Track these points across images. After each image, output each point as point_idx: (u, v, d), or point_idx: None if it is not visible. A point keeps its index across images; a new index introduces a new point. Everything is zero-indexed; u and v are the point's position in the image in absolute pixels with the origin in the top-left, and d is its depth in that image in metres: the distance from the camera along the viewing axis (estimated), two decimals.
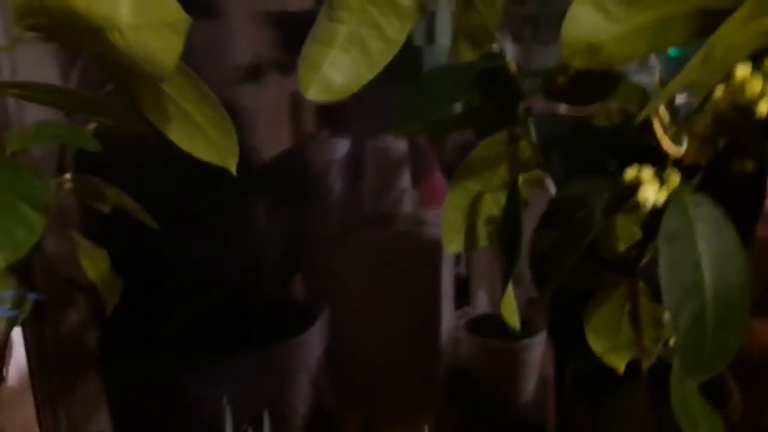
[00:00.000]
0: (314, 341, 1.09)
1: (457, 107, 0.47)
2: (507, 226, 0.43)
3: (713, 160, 0.37)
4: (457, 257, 1.41)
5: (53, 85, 0.32)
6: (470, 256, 1.44)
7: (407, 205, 1.36)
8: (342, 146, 1.27)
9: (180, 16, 0.24)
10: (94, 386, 0.92)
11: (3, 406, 0.71)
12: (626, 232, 0.43)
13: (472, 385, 1.37)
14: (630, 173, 0.33)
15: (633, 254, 0.41)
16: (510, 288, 0.44)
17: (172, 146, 0.37)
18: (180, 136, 0.37)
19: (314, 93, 0.46)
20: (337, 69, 0.45)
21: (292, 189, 1.21)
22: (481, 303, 1.45)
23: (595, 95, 0.39)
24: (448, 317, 1.36)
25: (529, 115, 0.41)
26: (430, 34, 1.21)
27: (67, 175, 0.53)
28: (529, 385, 1.36)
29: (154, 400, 0.97)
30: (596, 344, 0.49)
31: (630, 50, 0.30)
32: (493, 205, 0.47)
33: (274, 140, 1.17)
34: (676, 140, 0.34)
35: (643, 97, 0.39)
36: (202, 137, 0.37)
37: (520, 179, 0.42)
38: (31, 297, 0.51)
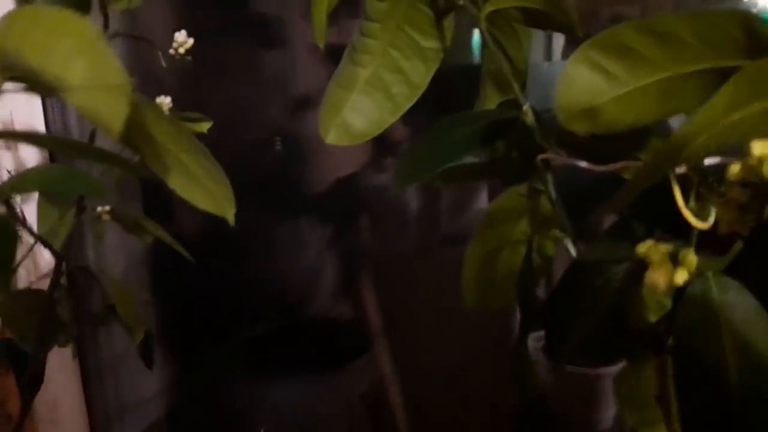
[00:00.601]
0: (379, 364, 1.08)
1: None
2: (522, 286, 0.40)
3: (755, 230, 0.32)
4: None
5: (51, 136, 0.33)
6: (549, 276, 1.38)
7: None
8: None
9: (123, 80, 0.23)
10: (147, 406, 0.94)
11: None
12: (657, 302, 0.38)
13: (549, 412, 1.31)
14: (641, 249, 0.29)
15: (662, 327, 0.36)
16: (527, 351, 0.41)
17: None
18: (178, 185, 0.37)
19: (334, 137, 0.45)
20: (357, 113, 0.44)
21: (366, 208, 1.21)
22: None
23: (620, 151, 0.35)
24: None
25: (548, 168, 0.38)
26: None
27: (106, 207, 0.54)
28: (609, 413, 1.28)
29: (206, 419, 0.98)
30: (628, 415, 0.44)
31: (636, 114, 0.26)
32: (514, 260, 0.44)
33: (352, 157, 1.17)
34: (704, 208, 0.30)
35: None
36: (199, 187, 0.37)
37: (536, 239, 0.38)
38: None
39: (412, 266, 1.22)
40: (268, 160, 1.09)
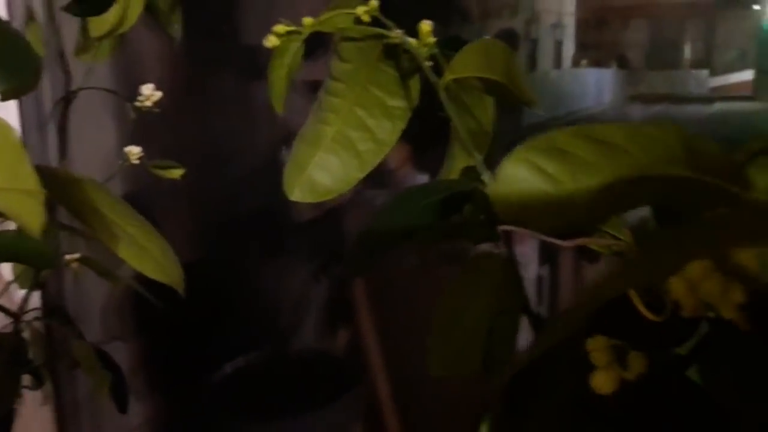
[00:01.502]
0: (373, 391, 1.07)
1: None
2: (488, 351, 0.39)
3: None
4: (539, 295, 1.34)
5: None
6: (552, 298, 1.37)
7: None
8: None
9: (37, 187, 0.23)
10: None
11: None
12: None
13: None
14: (589, 345, 0.28)
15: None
16: None
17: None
18: (129, 255, 0.36)
19: (298, 194, 0.44)
20: (323, 170, 0.43)
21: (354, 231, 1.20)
22: None
23: (579, 228, 0.34)
24: None
25: (510, 239, 0.37)
26: None
27: (75, 255, 0.54)
28: None
29: None
30: None
31: (575, 214, 0.25)
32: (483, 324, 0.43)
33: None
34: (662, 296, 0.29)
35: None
36: (150, 259, 0.36)
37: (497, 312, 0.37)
38: None
39: (403, 288, 1.20)
40: (256, 193, 1.08)
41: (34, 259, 0.37)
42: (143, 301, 0.90)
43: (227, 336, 0.99)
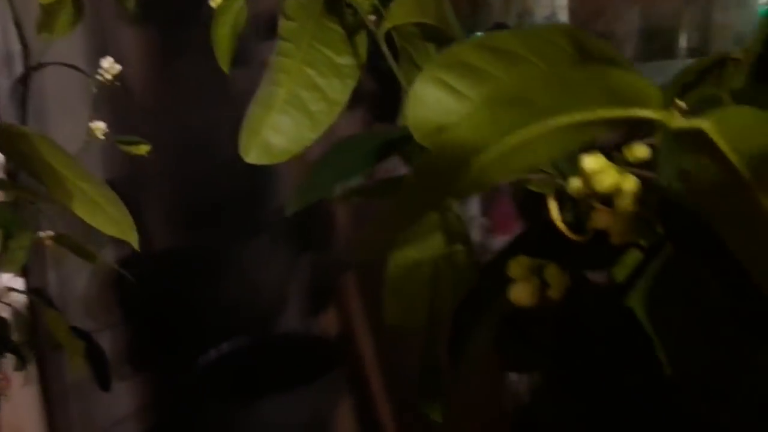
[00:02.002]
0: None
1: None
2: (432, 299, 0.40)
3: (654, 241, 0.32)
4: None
5: None
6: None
7: (476, 234, 1.31)
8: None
9: None
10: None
11: None
12: None
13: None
14: (509, 267, 0.29)
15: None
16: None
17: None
18: (82, 211, 0.37)
19: (254, 156, 0.45)
20: (277, 131, 0.44)
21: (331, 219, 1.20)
22: None
23: None
24: None
25: None
26: None
27: (49, 232, 0.55)
28: None
29: None
30: None
31: (490, 132, 0.26)
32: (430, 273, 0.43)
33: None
34: (581, 221, 0.29)
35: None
36: (102, 213, 0.37)
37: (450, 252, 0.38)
38: None
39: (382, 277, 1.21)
40: (236, 179, 1.09)
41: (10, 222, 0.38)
42: (127, 288, 0.91)
43: (212, 321, 0.99)
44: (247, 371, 0.98)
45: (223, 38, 0.41)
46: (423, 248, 0.42)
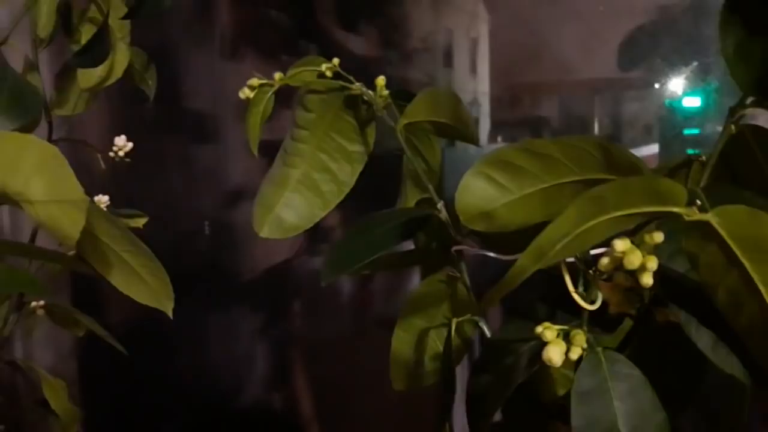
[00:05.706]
0: None
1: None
2: (444, 366, 0.44)
3: (641, 311, 0.38)
4: None
5: None
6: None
7: None
8: None
9: (81, 196, 0.26)
10: None
11: None
12: (564, 375, 0.43)
13: None
14: (538, 329, 0.33)
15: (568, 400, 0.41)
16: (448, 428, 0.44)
17: None
18: (120, 281, 0.39)
19: (267, 231, 0.48)
20: (290, 208, 0.48)
21: (299, 294, 1.22)
22: None
23: (524, 242, 0.40)
24: None
25: (462, 257, 0.43)
26: None
27: (40, 302, 0.55)
28: None
29: None
30: None
31: (524, 217, 0.31)
32: (438, 342, 0.48)
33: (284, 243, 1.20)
34: (591, 292, 0.35)
35: None
36: (141, 283, 0.39)
37: (454, 323, 0.43)
38: None
39: (346, 351, 1.23)
40: (201, 249, 1.10)
41: (21, 285, 0.39)
42: (89, 362, 0.89)
43: (175, 395, 0.98)
44: None
45: (254, 126, 0.45)
46: (430, 317, 0.46)
